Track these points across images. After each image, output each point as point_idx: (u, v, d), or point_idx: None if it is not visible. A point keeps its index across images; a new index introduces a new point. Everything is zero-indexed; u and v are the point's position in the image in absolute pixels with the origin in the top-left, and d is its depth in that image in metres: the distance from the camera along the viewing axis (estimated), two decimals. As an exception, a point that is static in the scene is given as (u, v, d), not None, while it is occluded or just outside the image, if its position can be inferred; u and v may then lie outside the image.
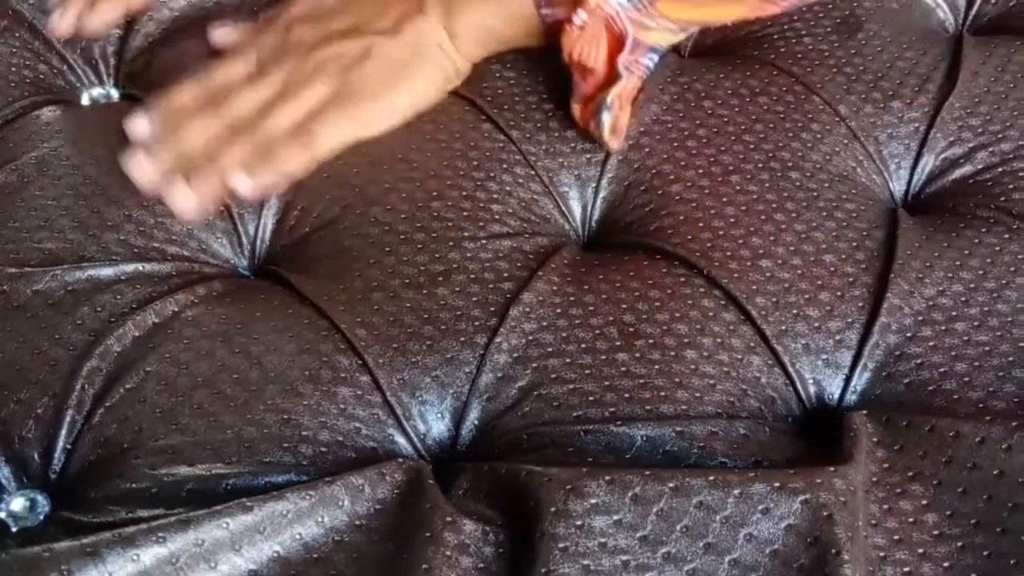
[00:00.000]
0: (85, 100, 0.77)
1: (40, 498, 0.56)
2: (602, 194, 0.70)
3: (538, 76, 0.75)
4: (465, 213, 0.66)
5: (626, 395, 0.58)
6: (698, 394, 0.58)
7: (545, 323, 0.61)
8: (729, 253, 0.64)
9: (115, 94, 0.77)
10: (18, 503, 0.55)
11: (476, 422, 0.58)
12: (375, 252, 0.64)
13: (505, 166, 0.70)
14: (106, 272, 0.63)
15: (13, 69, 0.76)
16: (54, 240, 0.64)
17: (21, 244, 0.64)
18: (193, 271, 0.65)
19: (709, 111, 0.72)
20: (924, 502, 0.52)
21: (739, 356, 0.60)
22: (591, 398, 0.57)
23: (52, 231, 0.65)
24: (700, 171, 0.69)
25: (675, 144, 0.71)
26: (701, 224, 0.66)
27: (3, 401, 0.57)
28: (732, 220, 0.66)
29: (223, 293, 0.63)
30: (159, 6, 0.79)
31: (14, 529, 0.54)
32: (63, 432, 0.57)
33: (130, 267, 0.64)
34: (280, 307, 0.62)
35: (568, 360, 0.59)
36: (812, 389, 0.60)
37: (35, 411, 0.57)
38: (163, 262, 0.65)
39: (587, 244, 0.69)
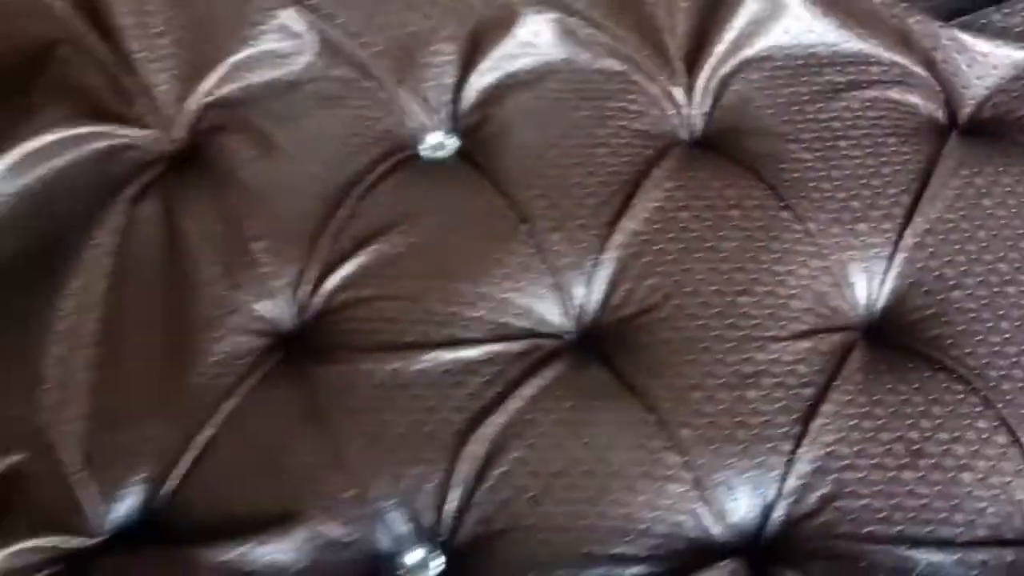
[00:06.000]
0: (424, 148, 0.88)
1: (433, 556, 0.71)
2: (887, 287, 0.80)
3: (831, 160, 0.84)
4: (768, 311, 0.78)
5: (911, 515, 0.70)
6: (971, 518, 0.70)
7: (841, 435, 0.73)
8: (1003, 373, 0.74)
9: (450, 143, 0.88)
10: (414, 555, 0.72)
11: (779, 522, 0.72)
12: (692, 348, 0.77)
13: (802, 259, 0.80)
14: (471, 354, 0.77)
15: (367, 121, 0.87)
16: (427, 319, 0.78)
17: (397, 324, 0.78)
18: (537, 348, 0.78)
19: (988, 211, 0.81)
20: None
21: (1008, 480, 0.71)
22: (880, 515, 0.70)
23: (426, 310, 0.78)
24: (979, 279, 0.78)
25: (956, 247, 0.80)
26: (979, 338, 0.76)
27: (402, 473, 0.73)
28: (1007, 336, 0.76)
29: (563, 380, 0.76)
30: (496, 64, 0.88)
31: (415, 584, 0.70)
32: (448, 507, 0.72)
33: (489, 348, 0.77)
34: (613, 400, 0.75)
35: (861, 475, 0.72)
36: (1069, 511, 0.71)
37: (426, 486, 0.72)
38: (514, 340, 0.78)
39: (868, 333, 0.79)
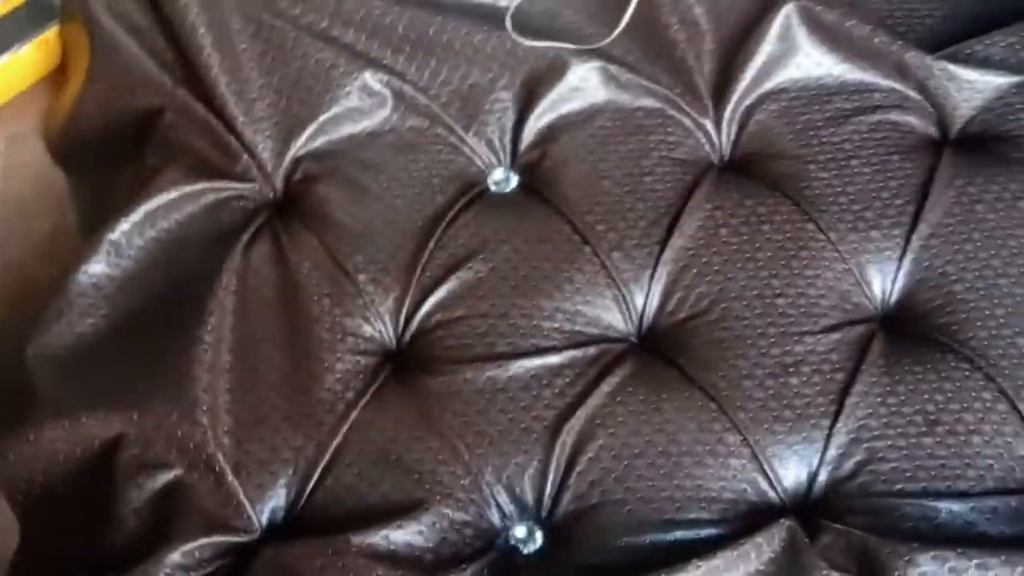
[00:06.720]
0: (491, 184, 1.03)
1: (537, 529, 0.86)
2: (899, 284, 0.95)
3: (845, 177, 1.00)
4: (802, 310, 0.93)
5: (932, 473, 0.85)
6: (981, 473, 0.85)
7: (870, 411, 0.88)
8: (1000, 352, 0.90)
9: (514, 179, 1.03)
10: (521, 530, 0.86)
11: (823, 485, 0.87)
12: (740, 344, 0.91)
13: (827, 263, 0.95)
14: (553, 360, 0.91)
15: (441, 163, 1.02)
16: (513, 332, 0.93)
17: (488, 338, 0.92)
18: (608, 352, 0.93)
19: (980, 215, 0.96)
20: None
21: (1009, 440, 0.87)
22: (907, 475, 0.85)
23: (511, 324, 0.93)
24: (976, 274, 0.93)
25: (955, 248, 0.95)
26: (979, 324, 0.91)
27: (506, 463, 0.88)
28: (1002, 321, 0.91)
29: (634, 377, 0.91)
30: (549, 107, 1.03)
31: (524, 552, 0.85)
32: (547, 489, 0.87)
33: (568, 354, 0.92)
34: (678, 391, 0.90)
35: (889, 443, 0.87)
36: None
37: (527, 472, 0.87)
38: (588, 346, 0.93)
39: (886, 324, 0.95)
